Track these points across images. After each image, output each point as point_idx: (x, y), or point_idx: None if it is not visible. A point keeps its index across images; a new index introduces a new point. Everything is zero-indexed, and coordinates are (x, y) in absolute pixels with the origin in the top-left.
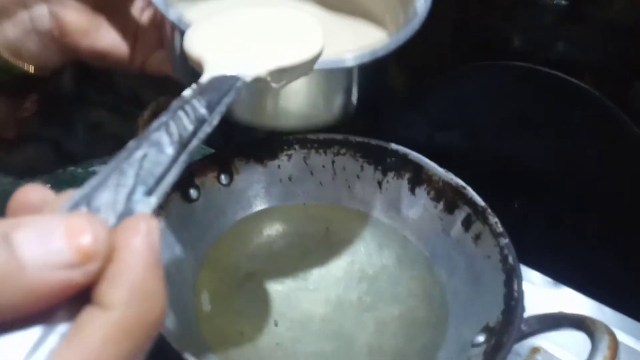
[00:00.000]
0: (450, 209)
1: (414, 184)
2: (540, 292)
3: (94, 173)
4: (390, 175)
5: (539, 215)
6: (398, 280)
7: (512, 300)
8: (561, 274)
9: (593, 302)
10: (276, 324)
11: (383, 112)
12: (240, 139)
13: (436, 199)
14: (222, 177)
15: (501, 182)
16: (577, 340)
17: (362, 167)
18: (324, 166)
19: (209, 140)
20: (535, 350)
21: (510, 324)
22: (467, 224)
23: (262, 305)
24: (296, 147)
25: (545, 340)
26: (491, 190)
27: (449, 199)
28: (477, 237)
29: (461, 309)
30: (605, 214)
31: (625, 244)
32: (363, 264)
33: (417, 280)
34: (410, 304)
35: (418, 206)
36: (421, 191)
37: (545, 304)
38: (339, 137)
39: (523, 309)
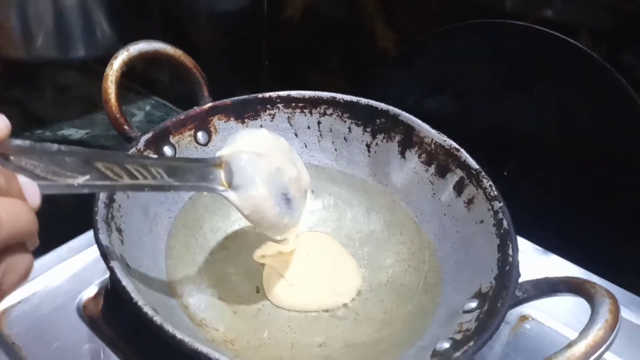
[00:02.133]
0: (442, 172)
1: (404, 147)
2: (529, 260)
3: (62, 137)
4: (380, 137)
5: (528, 183)
6: (386, 246)
7: (507, 265)
8: (550, 242)
9: (582, 270)
10: (258, 291)
11: (371, 74)
12: (219, 97)
13: (427, 162)
14: (200, 135)
15: (491, 149)
16: (566, 308)
17: (349, 128)
18: (309, 127)
19: (181, 101)
20: (523, 318)
21: (504, 289)
22: (459, 187)
23: (242, 270)
24: (280, 106)
25: (533, 309)
26: (480, 157)
27: (441, 162)
28: (469, 202)
29: (451, 274)
30: (596, 182)
31: (616, 213)
32: (349, 229)
33: (405, 246)
34: (398, 269)
35: (408, 170)
36: (412, 154)
37: (534, 272)
38: (325, 95)
39: (518, 274)
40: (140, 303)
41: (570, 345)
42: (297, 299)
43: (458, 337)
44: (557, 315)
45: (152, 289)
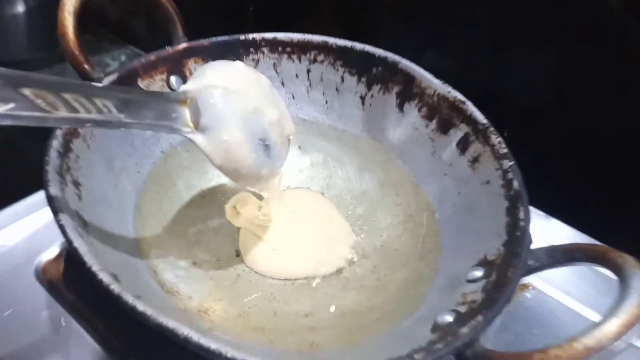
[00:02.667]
0: (444, 128)
1: (403, 99)
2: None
3: None
4: (376, 88)
5: (529, 145)
6: (380, 208)
7: (517, 230)
8: (552, 207)
9: (584, 235)
10: (238, 254)
11: (366, 24)
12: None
13: (428, 116)
14: (173, 80)
15: (491, 108)
16: (568, 277)
17: (342, 78)
18: (297, 76)
19: (147, 44)
20: (523, 286)
21: (515, 257)
22: (463, 144)
23: (220, 232)
24: (265, 50)
25: (534, 277)
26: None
27: (443, 116)
28: (474, 160)
29: (452, 239)
30: (600, 145)
31: (618, 178)
32: (340, 189)
33: (401, 208)
34: (393, 233)
35: (406, 125)
36: (411, 107)
37: (535, 237)
38: (316, 39)
39: (530, 241)
40: (94, 268)
41: (600, 324)
42: (279, 266)
43: (462, 309)
44: (560, 285)
45: (117, 250)
